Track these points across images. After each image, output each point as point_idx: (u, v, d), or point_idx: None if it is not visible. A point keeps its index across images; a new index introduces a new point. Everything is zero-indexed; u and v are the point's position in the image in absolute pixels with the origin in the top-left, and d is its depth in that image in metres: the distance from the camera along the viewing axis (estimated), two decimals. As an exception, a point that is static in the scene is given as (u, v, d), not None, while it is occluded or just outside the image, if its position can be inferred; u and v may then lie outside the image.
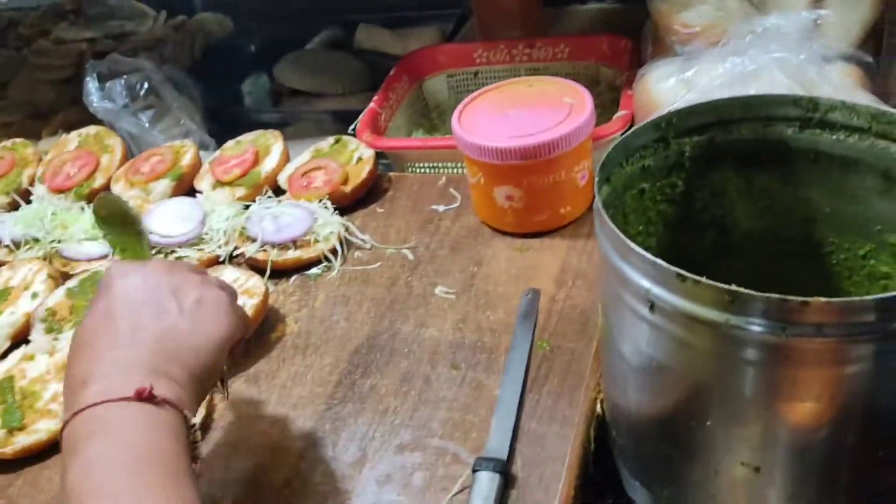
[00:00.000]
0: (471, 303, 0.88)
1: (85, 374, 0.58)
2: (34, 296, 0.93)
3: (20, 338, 0.90)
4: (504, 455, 0.69)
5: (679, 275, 0.54)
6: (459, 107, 0.97)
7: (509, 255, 0.94)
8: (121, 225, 0.72)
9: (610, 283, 0.63)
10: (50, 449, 0.79)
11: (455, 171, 1.12)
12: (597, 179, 0.64)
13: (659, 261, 0.55)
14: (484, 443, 0.72)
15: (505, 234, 0.96)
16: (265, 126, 1.21)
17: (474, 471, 0.68)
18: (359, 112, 1.26)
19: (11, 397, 0.80)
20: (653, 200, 0.74)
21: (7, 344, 0.90)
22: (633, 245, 0.57)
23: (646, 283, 0.57)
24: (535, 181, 0.91)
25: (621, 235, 0.58)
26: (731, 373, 0.57)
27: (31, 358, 0.84)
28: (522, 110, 0.94)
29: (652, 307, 0.57)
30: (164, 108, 1.36)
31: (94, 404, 0.55)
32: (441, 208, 1.03)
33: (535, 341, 0.81)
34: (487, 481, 0.67)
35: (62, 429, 0.56)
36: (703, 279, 0.53)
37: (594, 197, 0.62)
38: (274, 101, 1.61)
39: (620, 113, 1.07)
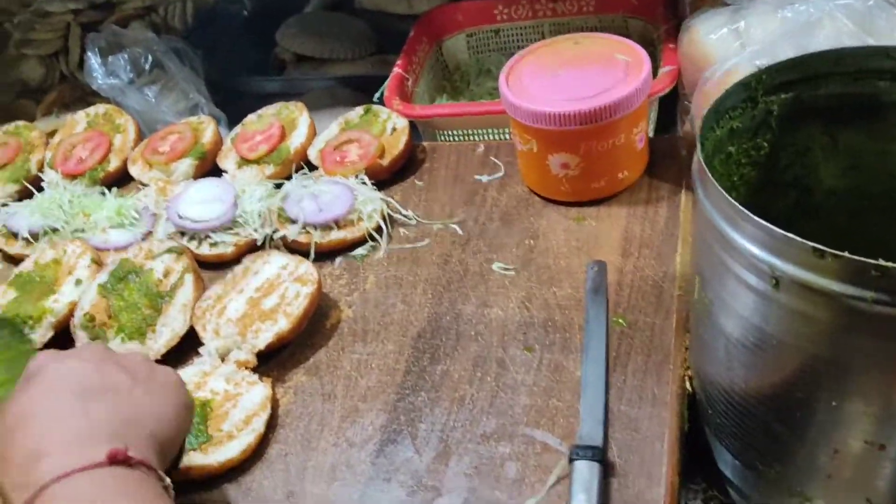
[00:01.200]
0: (533, 279, 0.84)
1: (31, 450, 0.53)
2: (78, 282, 0.87)
3: (61, 328, 0.85)
4: (599, 441, 0.66)
5: (816, 250, 0.50)
6: (505, 70, 0.91)
7: (566, 225, 0.89)
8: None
9: (713, 254, 0.59)
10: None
11: (493, 137, 1.07)
12: (699, 144, 0.60)
13: (791, 235, 0.51)
14: (573, 429, 0.69)
15: (558, 203, 0.92)
16: (270, 96, 1.14)
17: (571, 460, 0.65)
18: (371, 78, 1.20)
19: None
20: (737, 164, 0.71)
21: (50, 334, 0.84)
22: (757, 219, 0.53)
23: (768, 257, 0.53)
24: (593, 147, 0.86)
25: (742, 209, 0.54)
26: (858, 347, 0.54)
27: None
28: (573, 70, 0.89)
29: (776, 283, 0.54)
30: (170, 81, 1.28)
31: (60, 477, 0.51)
32: (485, 178, 0.98)
33: (609, 317, 0.77)
34: (587, 471, 0.64)
35: None
36: (846, 254, 0.49)
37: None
38: (277, 69, 1.53)
39: (666, 68, 1.02)
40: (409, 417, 0.73)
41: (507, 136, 1.05)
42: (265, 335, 0.79)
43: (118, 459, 0.52)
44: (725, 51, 0.94)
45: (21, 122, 1.19)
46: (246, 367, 0.78)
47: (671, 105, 1.10)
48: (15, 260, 1.00)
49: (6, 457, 0.54)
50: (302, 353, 0.81)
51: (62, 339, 0.85)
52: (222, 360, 0.79)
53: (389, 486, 0.67)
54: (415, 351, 0.79)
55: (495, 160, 1.00)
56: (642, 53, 0.88)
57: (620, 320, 0.77)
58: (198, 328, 0.81)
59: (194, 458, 0.70)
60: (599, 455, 0.64)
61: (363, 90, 1.28)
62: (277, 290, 0.82)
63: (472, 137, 1.09)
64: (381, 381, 0.77)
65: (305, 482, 0.69)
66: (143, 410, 0.59)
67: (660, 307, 0.78)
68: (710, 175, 0.58)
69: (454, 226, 0.92)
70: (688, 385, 0.73)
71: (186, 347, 0.82)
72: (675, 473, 0.65)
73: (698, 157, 0.60)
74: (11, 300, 0.87)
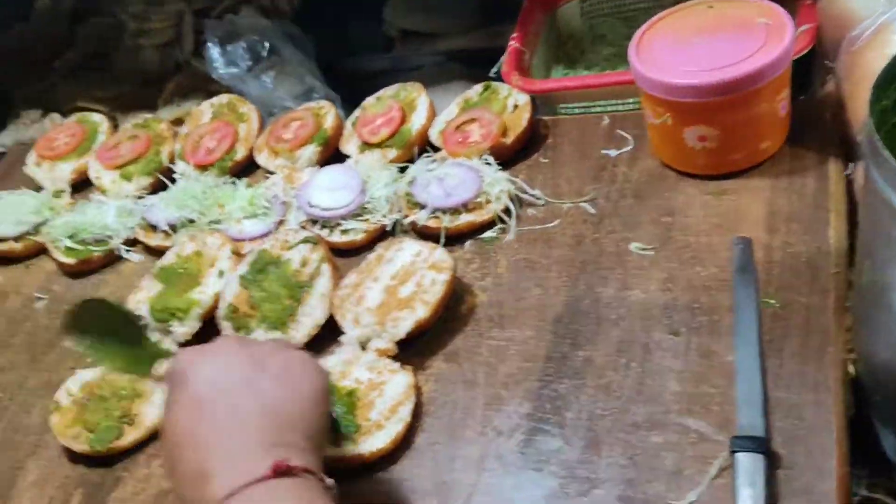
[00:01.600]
0: (673, 258, 0.81)
1: (198, 471, 0.55)
2: (220, 274, 0.90)
3: (208, 318, 0.88)
4: (761, 431, 0.64)
5: None
6: (634, 39, 0.88)
7: (704, 200, 0.86)
8: (109, 332, 0.65)
9: (888, 234, 0.55)
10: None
11: (618, 108, 1.03)
12: (868, 117, 0.56)
13: None
14: (729, 417, 0.66)
15: (694, 176, 0.88)
16: (380, 75, 1.13)
17: (732, 451, 0.62)
18: (483, 51, 1.18)
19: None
20: (904, 134, 0.66)
21: (198, 325, 0.87)
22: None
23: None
24: (732, 117, 0.82)
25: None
26: None
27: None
28: (708, 37, 0.84)
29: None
30: (286, 66, 1.30)
31: (229, 496, 0.53)
32: (613, 153, 0.95)
33: (759, 298, 0.74)
34: (750, 463, 0.61)
35: None
36: None
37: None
38: (385, 47, 1.52)
39: (803, 27, 0.96)
40: (554, 405, 0.72)
41: (633, 107, 1.02)
42: (404, 324, 0.79)
43: (282, 471, 0.54)
44: (870, 7, 0.87)
45: (149, 115, 1.23)
46: (387, 356, 0.78)
47: (805, 65, 1.04)
48: (155, 251, 1.04)
49: (179, 472, 0.57)
50: (439, 339, 0.81)
51: (208, 329, 0.88)
52: (363, 348, 0.80)
53: (541, 476, 0.67)
54: (554, 336, 0.78)
55: (622, 133, 0.97)
56: (784, 15, 0.83)
57: (772, 301, 0.73)
58: (337, 317, 0.82)
59: (345, 449, 0.71)
60: (763, 446, 0.62)
61: (475, 64, 1.26)
62: (413, 277, 0.83)
63: (594, 109, 1.06)
64: (521, 368, 0.76)
65: (455, 472, 0.70)
66: (289, 410, 0.59)
67: (815, 286, 0.74)
68: (883, 150, 0.54)
69: (585, 204, 0.90)
70: (850, 368, 0.69)
71: (327, 335, 0.83)
72: (844, 464, 0.62)
73: (868, 130, 0.56)
74: (158, 293, 0.91)
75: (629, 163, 0.93)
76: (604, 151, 0.96)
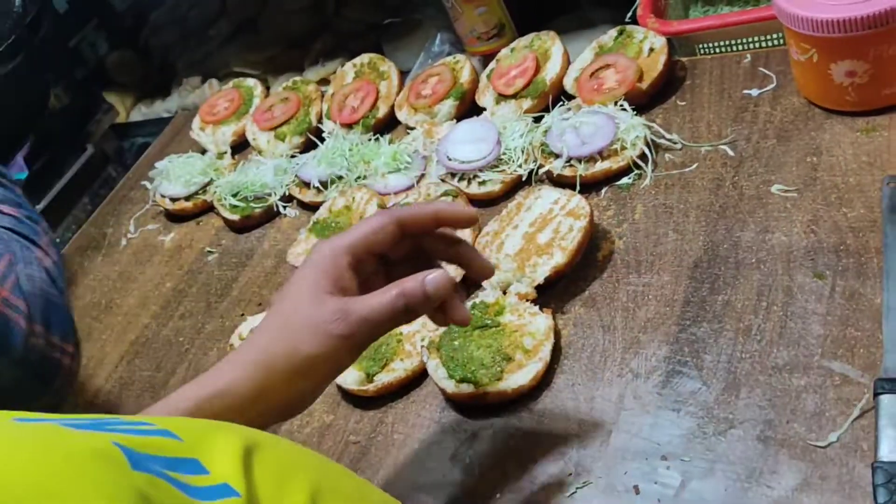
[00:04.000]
0: (818, 199, 0.79)
1: None
2: None
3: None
4: (908, 374, 0.62)
5: None
6: (776, -26, 0.84)
7: (853, 138, 0.83)
8: None
9: None
10: (409, 385, 0.83)
11: (760, 45, 1.00)
12: None
13: None
14: (875, 360, 0.65)
15: (843, 113, 0.85)
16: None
17: (876, 394, 0.62)
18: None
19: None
20: None
21: None
22: None
23: None
24: (884, 51, 0.78)
25: None
26: None
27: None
28: (857, -34, 0.80)
29: None
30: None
31: None
32: (754, 92, 0.93)
33: (911, 238, 0.71)
34: (893, 405, 0.61)
35: None
36: None
37: None
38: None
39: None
40: (692, 349, 0.73)
41: (776, 42, 0.98)
42: (543, 269, 0.82)
43: None
44: None
45: (298, 78, 1.31)
46: (527, 300, 0.82)
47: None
48: (308, 207, 1.12)
49: None
50: (577, 285, 0.84)
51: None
52: (504, 292, 0.84)
53: (679, 416, 0.69)
54: (692, 281, 0.78)
55: (765, 71, 0.94)
56: (944, -65, 0.77)
57: (925, 242, 0.71)
58: None
59: (490, 385, 0.76)
60: (909, 389, 0.61)
61: (606, 7, 1.24)
62: (551, 224, 0.85)
63: (735, 48, 1.03)
64: (659, 313, 0.77)
65: (594, 411, 0.73)
66: None
67: (974, 225, 0.70)
68: None
69: (724, 147, 0.89)
70: None
71: (469, 283, 0.87)
72: None
73: None
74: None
75: (772, 102, 0.91)
76: (745, 91, 0.94)
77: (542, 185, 0.92)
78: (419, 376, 0.83)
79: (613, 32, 1.04)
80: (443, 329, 0.82)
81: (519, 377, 0.76)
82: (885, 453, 0.59)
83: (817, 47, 0.81)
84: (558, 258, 0.82)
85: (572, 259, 0.83)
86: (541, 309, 0.81)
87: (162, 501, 0.36)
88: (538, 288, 0.83)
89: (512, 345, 0.78)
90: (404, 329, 0.85)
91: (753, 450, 0.64)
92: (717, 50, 1.04)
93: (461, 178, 0.99)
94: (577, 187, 0.91)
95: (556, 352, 0.79)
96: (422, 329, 0.85)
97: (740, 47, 1.02)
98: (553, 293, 0.84)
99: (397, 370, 0.82)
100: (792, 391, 0.66)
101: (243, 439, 0.44)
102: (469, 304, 0.84)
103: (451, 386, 0.78)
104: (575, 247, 0.82)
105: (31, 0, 1.46)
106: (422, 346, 0.83)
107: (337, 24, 1.62)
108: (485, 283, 0.85)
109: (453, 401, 0.79)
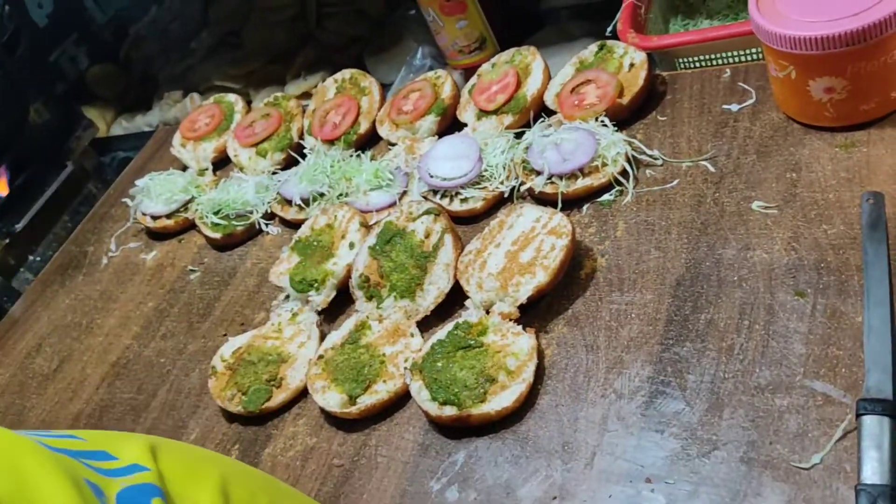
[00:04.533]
0: (798, 216, 0.79)
1: None
2: (351, 245, 0.95)
3: (342, 286, 0.94)
4: (889, 394, 0.62)
5: None
6: (753, -9, 0.85)
7: (832, 153, 0.83)
8: None
9: None
10: (391, 407, 0.83)
11: (741, 59, 1.00)
12: None
13: None
14: (858, 380, 0.65)
15: (821, 129, 0.85)
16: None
17: (858, 414, 0.62)
18: (590, 7, 1.16)
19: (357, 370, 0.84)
20: None
21: (333, 294, 0.94)
22: None
23: None
24: (862, 67, 0.78)
25: None
26: None
27: (366, 326, 0.87)
28: (833, -17, 0.80)
29: None
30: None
31: None
32: (734, 107, 0.93)
33: (891, 256, 0.72)
34: (877, 426, 0.61)
35: None
36: None
37: None
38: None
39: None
40: (675, 368, 0.73)
41: (756, 57, 0.98)
42: (525, 288, 0.82)
43: None
44: None
45: (280, 94, 1.30)
46: (510, 319, 0.82)
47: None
48: (290, 224, 1.11)
49: None
50: (560, 304, 0.84)
51: (343, 297, 0.94)
52: (487, 312, 0.83)
53: (663, 437, 0.69)
54: (675, 299, 0.78)
55: (744, 86, 0.95)
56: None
57: (905, 259, 0.71)
58: (462, 282, 0.86)
59: (474, 407, 0.76)
60: (890, 409, 0.61)
61: (590, 19, 1.25)
62: (533, 243, 0.85)
63: (715, 62, 1.03)
64: (642, 332, 0.77)
65: (578, 433, 0.73)
66: None
67: (952, 242, 0.71)
68: None
69: (705, 163, 0.89)
70: None
71: (453, 299, 0.87)
72: (981, 429, 0.60)
73: None
74: (297, 264, 0.98)
75: (751, 118, 0.91)
76: (724, 107, 0.94)
77: (524, 203, 0.92)
78: (402, 397, 0.83)
79: (594, 47, 1.04)
80: (426, 349, 0.82)
81: (503, 399, 0.76)
82: (868, 475, 0.59)
83: (795, 64, 0.81)
84: (541, 277, 0.82)
85: (555, 278, 0.83)
86: (524, 329, 0.80)
87: (84, 475, 0.43)
88: (521, 307, 0.83)
89: (495, 366, 0.78)
90: (387, 350, 0.85)
91: (737, 472, 0.64)
92: (698, 64, 1.04)
93: (443, 196, 0.99)
94: (559, 205, 0.91)
95: (540, 372, 0.78)
96: (405, 350, 0.84)
97: (720, 61, 1.02)
98: (536, 312, 0.84)
99: (380, 392, 0.82)
100: (775, 411, 0.66)
101: (146, 438, 0.49)
102: (452, 324, 0.83)
103: (434, 408, 0.77)
104: (557, 266, 0.82)
105: (8, 16, 1.45)
106: (405, 368, 0.82)
107: (320, 37, 1.62)
108: (468, 303, 0.85)
109: (437, 425, 0.79)
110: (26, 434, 0.45)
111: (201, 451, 0.54)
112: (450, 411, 0.77)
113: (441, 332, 0.83)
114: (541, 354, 0.80)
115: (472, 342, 0.81)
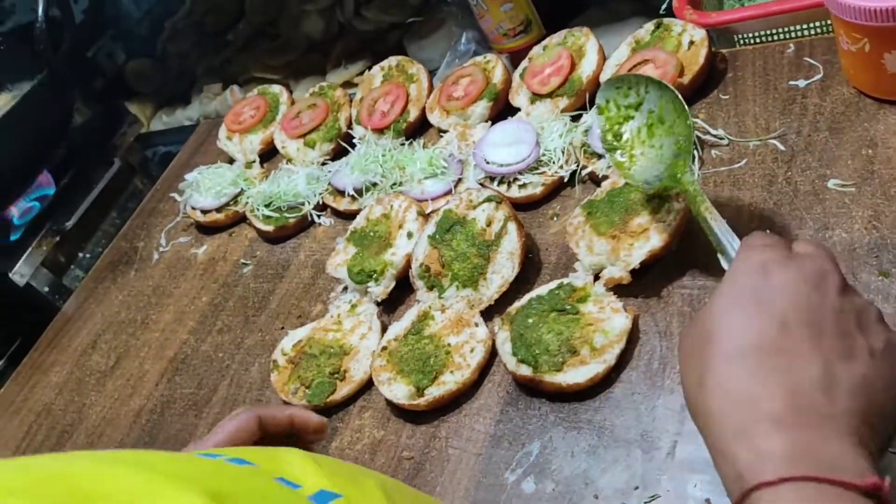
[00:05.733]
0: (878, 194, 0.77)
1: (740, 424, 0.45)
2: (409, 235, 0.94)
3: (402, 278, 0.93)
4: None
5: None
6: (823, -39, 0.82)
7: (910, 128, 0.80)
8: None
9: None
10: (460, 398, 0.81)
11: (803, 33, 0.97)
12: None
13: None
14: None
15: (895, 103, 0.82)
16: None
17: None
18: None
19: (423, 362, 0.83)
20: None
21: (392, 284, 0.93)
22: None
23: None
24: (942, 37, 0.75)
25: None
26: None
27: (428, 316, 0.86)
28: (911, -50, 0.77)
29: None
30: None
31: (795, 479, 0.42)
32: (801, 83, 0.90)
33: (981, 232, 0.69)
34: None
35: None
36: None
37: None
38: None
39: None
40: (756, 354, 0.71)
41: (821, 31, 0.95)
42: (638, 252, 0.79)
43: (871, 491, 0.41)
44: None
45: (325, 83, 1.29)
46: (621, 284, 0.79)
47: None
48: (343, 215, 1.10)
49: (716, 397, 0.47)
50: (629, 290, 0.82)
51: (402, 287, 0.93)
52: (595, 277, 0.81)
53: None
54: (751, 283, 0.76)
55: (810, 60, 0.92)
56: None
57: None
58: (571, 244, 0.83)
59: (548, 374, 0.75)
60: None
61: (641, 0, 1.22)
62: (648, 206, 0.81)
63: (776, 37, 1.00)
64: (719, 316, 0.75)
65: (657, 421, 0.71)
66: (875, 401, 0.46)
67: None
68: None
69: (774, 141, 0.86)
70: None
71: (518, 288, 0.86)
72: None
73: None
74: (354, 255, 0.97)
75: (820, 93, 0.88)
76: (791, 82, 0.91)
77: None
78: (471, 388, 0.81)
79: (650, 26, 1.02)
80: (523, 301, 0.81)
81: (577, 374, 0.74)
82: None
83: (870, 37, 0.78)
84: (655, 241, 0.78)
85: (669, 242, 0.78)
86: (624, 308, 0.77)
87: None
88: (634, 274, 0.79)
89: (582, 338, 0.76)
90: (453, 340, 0.83)
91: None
92: (758, 39, 1.01)
93: (500, 182, 0.97)
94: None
95: (626, 357, 0.76)
96: (470, 340, 0.83)
97: (782, 36, 0.99)
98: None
99: (448, 383, 0.81)
100: (866, 397, 0.64)
101: (304, 453, 0.46)
102: (555, 284, 0.81)
103: (512, 362, 0.77)
104: (673, 229, 0.78)
105: (48, 13, 1.44)
106: (496, 317, 0.81)
107: (357, 24, 1.60)
108: (577, 266, 0.82)
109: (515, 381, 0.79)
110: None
111: (352, 464, 0.53)
112: (525, 370, 0.76)
113: (542, 289, 0.81)
114: (632, 339, 0.77)
115: (569, 307, 0.78)
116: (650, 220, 0.80)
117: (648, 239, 0.79)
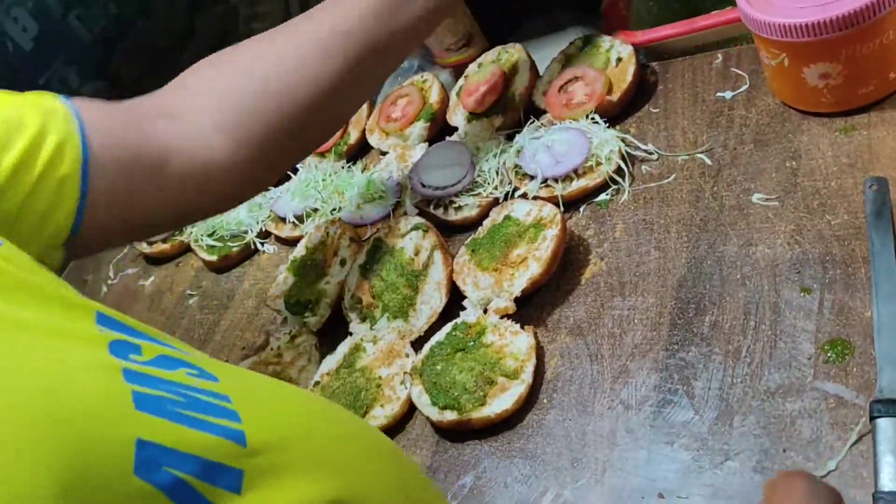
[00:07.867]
0: (801, 207, 0.77)
1: None
2: (342, 262, 0.94)
3: (335, 306, 0.93)
4: (904, 394, 0.60)
5: None
6: (740, -24, 0.82)
7: (832, 138, 0.80)
8: None
9: None
10: (393, 430, 0.81)
11: (731, 43, 0.97)
12: None
13: None
14: (870, 379, 0.63)
15: (819, 114, 0.82)
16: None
17: (872, 417, 0.60)
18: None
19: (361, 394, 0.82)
20: None
21: (327, 314, 0.92)
22: None
23: None
24: (857, 51, 0.75)
25: None
26: None
27: (360, 348, 0.86)
28: (821, -36, 0.78)
29: None
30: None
31: None
32: (728, 94, 0.90)
33: (898, 245, 0.69)
34: (891, 429, 0.59)
35: None
36: None
37: None
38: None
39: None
40: (682, 375, 0.71)
41: (748, 41, 0.95)
42: (519, 281, 0.81)
43: None
44: None
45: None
46: (506, 315, 0.80)
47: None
48: (286, 241, 1.10)
49: None
50: (562, 312, 0.82)
51: (335, 318, 0.93)
52: (485, 311, 0.82)
53: (673, 449, 0.67)
54: (678, 302, 0.76)
55: (737, 70, 0.92)
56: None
57: (912, 247, 0.69)
58: (458, 283, 0.85)
59: (474, 411, 0.75)
60: (906, 410, 0.59)
61: (577, 8, 1.22)
62: (524, 237, 0.83)
63: (705, 49, 1.00)
64: (646, 338, 0.75)
65: (587, 447, 0.71)
66: None
67: (961, 227, 0.68)
68: None
69: (701, 155, 0.87)
70: None
71: (445, 312, 0.86)
72: None
73: None
74: (292, 286, 0.96)
75: (746, 104, 0.88)
76: (718, 94, 0.91)
77: (515, 200, 0.89)
78: (402, 421, 0.81)
79: (579, 42, 1.02)
80: (425, 352, 0.81)
81: (502, 401, 0.74)
82: (886, 482, 0.57)
83: (787, 52, 0.78)
84: (534, 269, 0.80)
85: (548, 269, 0.81)
86: (522, 327, 0.79)
87: None
88: (520, 304, 0.81)
89: (494, 367, 0.77)
90: (384, 372, 0.83)
91: (751, 483, 0.62)
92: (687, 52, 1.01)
93: (437, 205, 0.97)
94: (561, 208, 0.89)
95: (540, 371, 0.77)
96: (400, 372, 0.83)
97: (711, 47, 0.99)
98: (539, 320, 0.82)
99: (378, 417, 0.80)
100: (786, 417, 0.64)
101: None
102: (450, 325, 0.82)
103: (434, 413, 0.77)
104: (549, 256, 0.80)
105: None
106: (404, 373, 0.81)
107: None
108: (465, 303, 0.84)
109: (440, 429, 0.78)
110: None
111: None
112: (451, 416, 0.76)
113: (440, 334, 0.82)
114: (540, 354, 0.78)
115: (471, 343, 0.79)
116: (528, 250, 0.81)
117: (528, 268, 0.80)
